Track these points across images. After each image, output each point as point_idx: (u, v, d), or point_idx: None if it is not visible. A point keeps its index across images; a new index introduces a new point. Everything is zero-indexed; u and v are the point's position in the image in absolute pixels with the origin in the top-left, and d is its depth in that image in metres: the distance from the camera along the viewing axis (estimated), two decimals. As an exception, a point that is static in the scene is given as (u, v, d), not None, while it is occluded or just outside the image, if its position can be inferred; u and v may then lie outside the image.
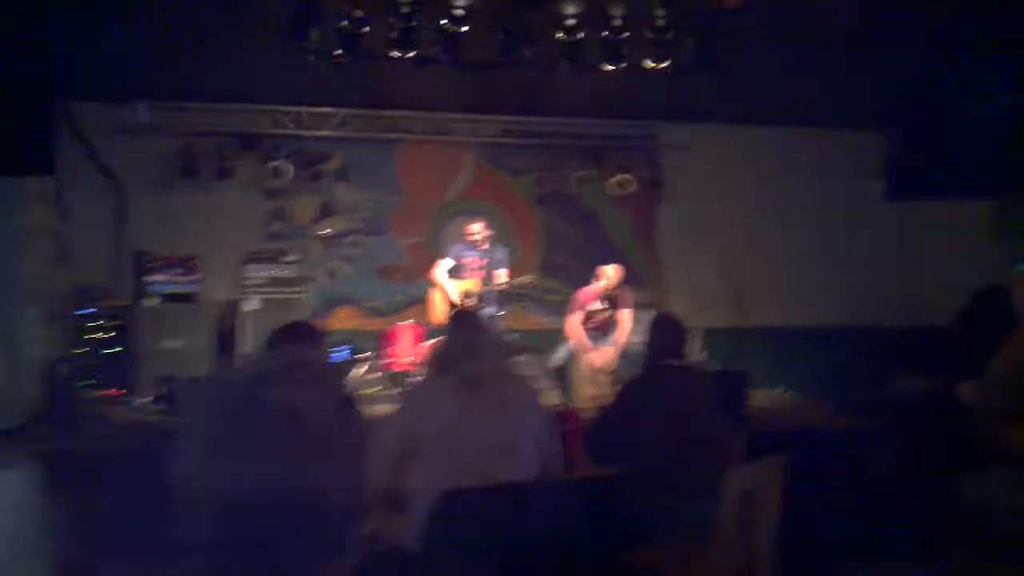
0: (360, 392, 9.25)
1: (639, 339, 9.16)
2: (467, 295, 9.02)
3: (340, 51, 7.38)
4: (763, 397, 8.85)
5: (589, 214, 11.35)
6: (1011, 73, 8.25)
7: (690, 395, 4.61)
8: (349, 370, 8.23)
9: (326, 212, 10.69)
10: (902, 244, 11.42)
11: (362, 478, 3.83)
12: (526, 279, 9.10)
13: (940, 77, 8.75)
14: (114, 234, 10.04)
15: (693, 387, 4.71)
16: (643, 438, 4.38)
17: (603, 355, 8.95)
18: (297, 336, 4.15)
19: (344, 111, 10.37)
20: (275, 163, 10.13)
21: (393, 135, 10.67)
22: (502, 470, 3.81)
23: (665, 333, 4.97)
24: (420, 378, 4.47)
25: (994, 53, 8.25)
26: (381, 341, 9.60)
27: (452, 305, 9.02)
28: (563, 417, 4.60)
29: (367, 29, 7.27)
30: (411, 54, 7.38)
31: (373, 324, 10.15)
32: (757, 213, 11.26)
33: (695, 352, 9.97)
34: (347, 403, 4.15)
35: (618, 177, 10.98)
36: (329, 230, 10.61)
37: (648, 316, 10.50)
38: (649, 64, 7.78)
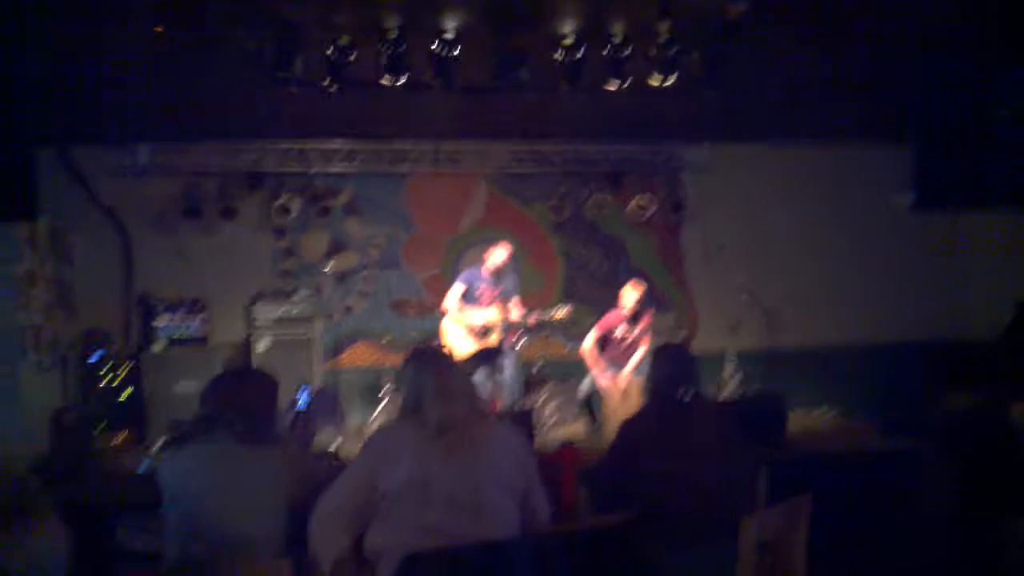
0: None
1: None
2: (488, 328, 8.57)
3: (328, 80, 6.98)
4: (804, 419, 8.42)
5: (610, 240, 10.86)
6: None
7: (701, 430, 4.01)
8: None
9: (336, 248, 10.29)
10: (944, 257, 10.83)
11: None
12: (563, 312, 8.61)
13: (966, 84, 8.29)
14: (119, 278, 9.70)
15: (704, 421, 4.12)
16: (648, 481, 3.83)
17: (623, 382, 8.44)
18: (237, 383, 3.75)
19: (350, 145, 9.97)
20: (281, 200, 9.73)
21: (401, 167, 10.24)
22: (473, 527, 3.31)
23: (670, 363, 4.36)
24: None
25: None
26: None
27: (476, 333, 8.57)
28: (562, 457, 4.08)
29: (354, 56, 6.87)
30: (402, 80, 6.98)
31: (391, 360, 9.68)
32: (785, 231, 10.75)
33: (728, 376, 9.55)
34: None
35: (637, 200, 10.48)
36: (340, 266, 10.20)
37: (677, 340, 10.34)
38: (654, 82, 7.31)
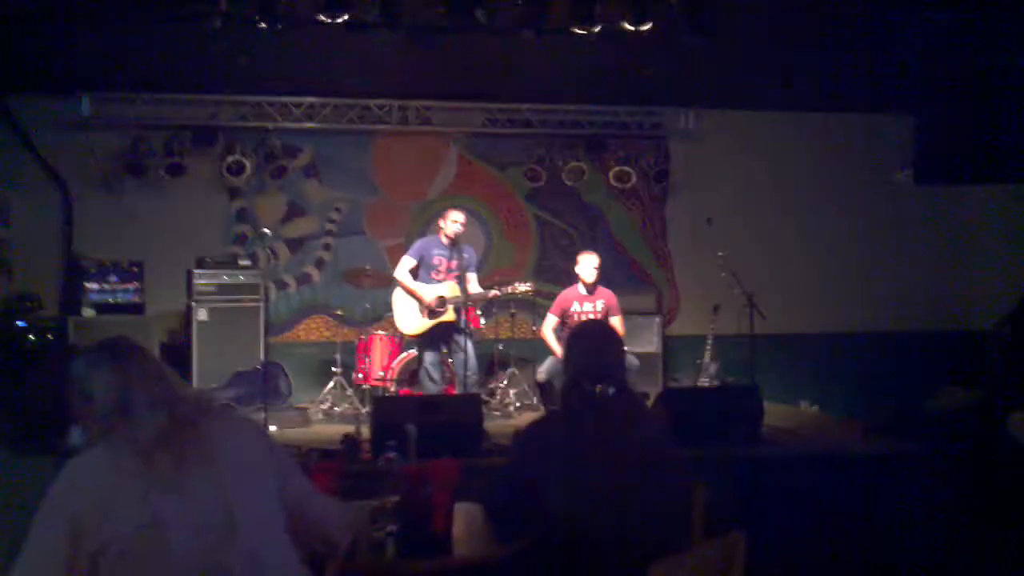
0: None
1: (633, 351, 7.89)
2: (442, 301, 7.60)
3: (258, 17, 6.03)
4: (783, 413, 7.76)
5: (589, 210, 9.90)
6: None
7: (622, 438, 2.89)
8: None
9: (294, 212, 9.36)
10: (939, 239, 9.89)
11: None
12: (524, 287, 7.60)
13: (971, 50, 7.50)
14: (58, 238, 8.81)
15: (627, 426, 3.03)
16: (547, 502, 2.89)
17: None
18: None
19: (311, 99, 9.03)
20: (233, 158, 8.78)
21: (366, 126, 9.28)
22: (231, 557, 2.29)
23: (590, 348, 3.23)
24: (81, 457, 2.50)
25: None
26: (354, 354, 8.35)
27: (429, 310, 7.62)
28: (431, 473, 3.05)
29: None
30: (342, 19, 6.01)
31: (346, 335, 8.77)
32: (774, 207, 9.91)
33: (707, 362, 8.66)
34: None
35: (618, 169, 9.50)
36: (297, 231, 9.30)
37: (652, 323, 9.44)
38: (627, 27, 6.33)
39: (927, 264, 9.83)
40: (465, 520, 3.10)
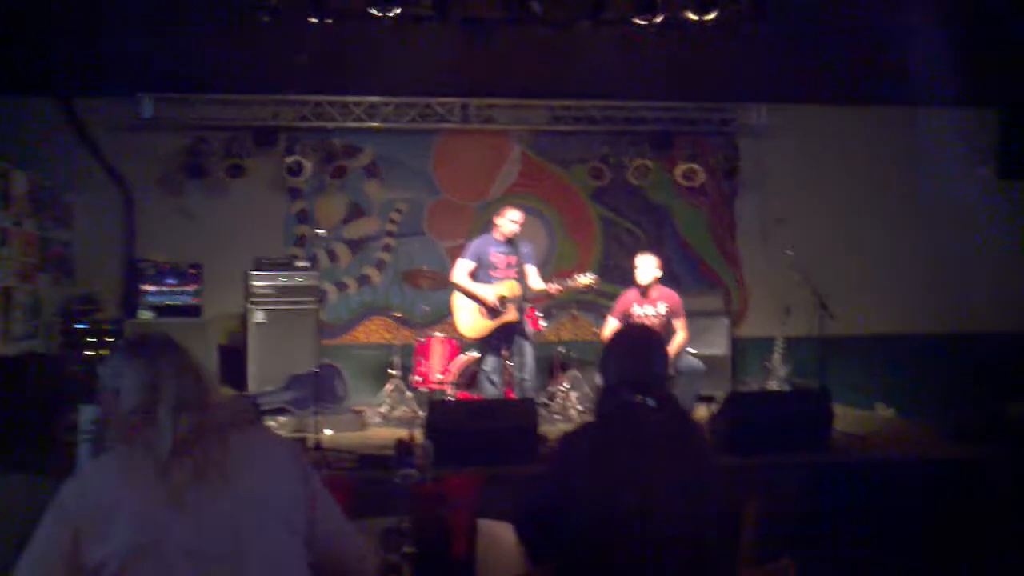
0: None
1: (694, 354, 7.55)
2: (503, 300, 7.36)
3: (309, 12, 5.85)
4: (857, 418, 7.48)
5: (655, 209, 9.57)
6: None
7: (664, 452, 2.67)
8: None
9: (354, 213, 9.20)
10: (1022, 237, 9.34)
11: None
12: (586, 279, 7.29)
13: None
14: (119, 240, 8.76)
15: (670, 440, 2.72)
16: (581, 522, 2.56)
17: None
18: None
19: (371, 99, 8.85)
20: (292, 158, 8.64)
21: (428, 125, 9.07)
22: None
23: (629, 353, 2.94)
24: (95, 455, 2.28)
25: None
26: (413, 356, 8.16)
27: (491, 310, 7.38)
28: (449, 490, 2.78)
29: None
30: (394, 12, 5.80)
31: (402, 336, 8.57)
32: (847, 205, 9.49)
33: (776, 365, 8.29)
34: None
35: (685, 165, 9.15)
36: (358, 232, 9.15)
37: (720, 324, 9.08)
38: (691, 16, 6.01)
39: (1010, 263, 9.29)
40: (492, 541, 2.84)
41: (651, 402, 2.73)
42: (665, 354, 3.00)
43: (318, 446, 6.25)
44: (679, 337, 7.20)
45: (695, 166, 9.11)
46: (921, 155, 9.22)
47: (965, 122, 9.28)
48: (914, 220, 9.38)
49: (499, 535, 2.84)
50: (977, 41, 7.23)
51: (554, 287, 7.33)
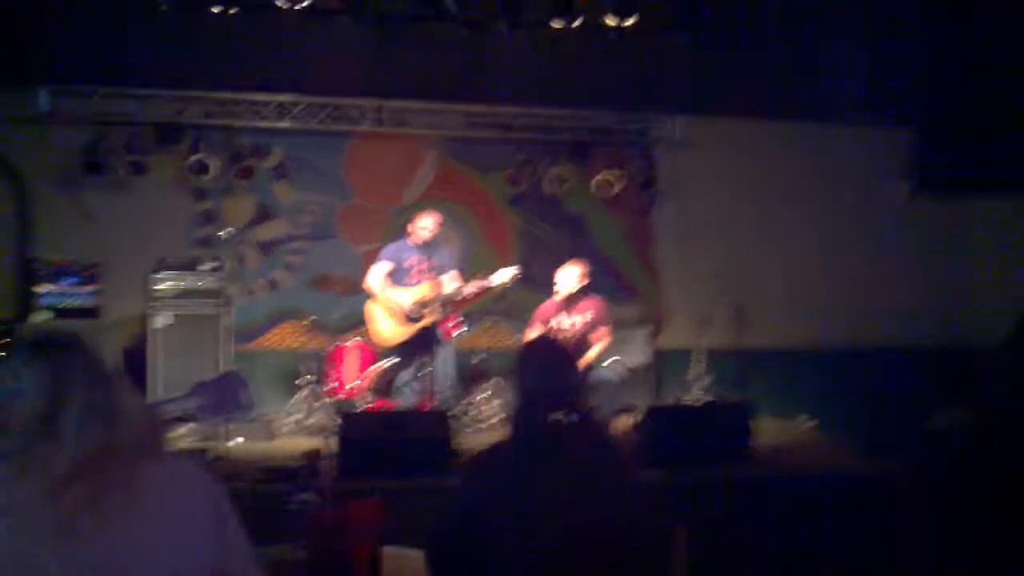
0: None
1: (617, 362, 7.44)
2: (422, 304, 7.17)
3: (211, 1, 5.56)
4: (778, 429, 7.57)
5: (572, 218, 9.43)
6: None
7: (583, 473, 2.52)
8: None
9: (263, 215, 8.88)
10: (939, 253, 9.44)
11: None
12: (507, 274, 7.14)
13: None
14: (13, 239, 8.31)
15: (590, 460, 2.57)
16: (494, 545, 2.38)
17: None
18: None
19: (281, 98, 8.55)
20: (197, 157, 8.30)
21: (340, 126, 8.79)
22: None
23: (540, 370, 2.75)
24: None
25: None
26: (326, 363, 7.87)
27: (406, 317, 7.18)
28: (352, 517, 2.53)
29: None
30: (302, 5, 5.55)
31: (314, 343, 8.28)
32: (765, 217, 9.43)
33: (698, 377, 8.22)
34: None
35: (603, 175, 9.04)
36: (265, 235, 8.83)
37: (641, 334, 8.97)
38: (610, 21, 5.87)
39: (927, 279, 9.35)
40: (397, 570, 2.62)
41: (568, 419, 2.54)
42: (577, 368, 2.83)
43: (217, 459, 6.02)
44: (601, 344, 7.11)
45: (612, 176, 9.00)
46: (837, 170, 9.28)
47: (881, 138, 9.33)
48: (829, 234, 9.40)
49: (407, 566, 2.61)
50: (894, 59, 7.26)
51: (468, 289, 7.22)
